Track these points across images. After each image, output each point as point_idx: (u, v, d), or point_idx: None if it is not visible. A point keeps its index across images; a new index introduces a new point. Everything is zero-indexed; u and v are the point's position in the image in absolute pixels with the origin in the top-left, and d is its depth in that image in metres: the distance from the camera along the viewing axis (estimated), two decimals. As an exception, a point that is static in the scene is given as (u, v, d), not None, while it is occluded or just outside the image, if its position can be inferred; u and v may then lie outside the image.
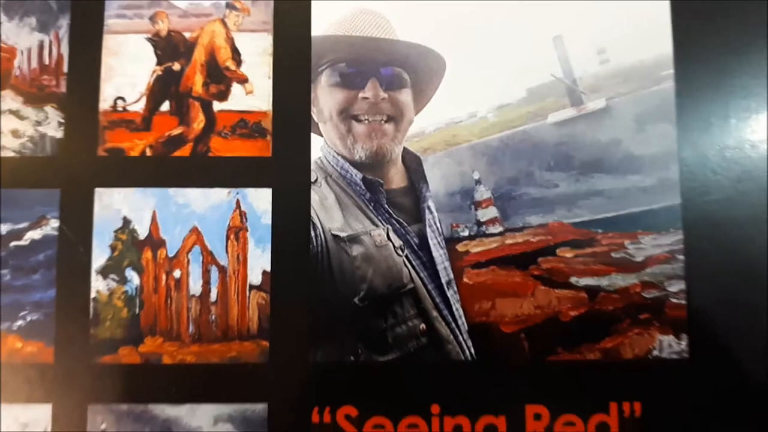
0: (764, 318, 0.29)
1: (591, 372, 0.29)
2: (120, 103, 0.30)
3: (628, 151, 0.30)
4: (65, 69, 0.30)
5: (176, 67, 0.30)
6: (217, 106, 0.30)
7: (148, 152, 0.30)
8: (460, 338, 0.29)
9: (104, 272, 0.29)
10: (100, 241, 0.29)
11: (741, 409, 0.28)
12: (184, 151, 0.30)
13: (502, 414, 0.28)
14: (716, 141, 0.30)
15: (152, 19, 0.30)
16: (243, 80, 0.30)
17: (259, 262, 0.29)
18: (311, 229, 0.29)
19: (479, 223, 0.30)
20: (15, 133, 0.29)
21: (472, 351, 0.29)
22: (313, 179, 0.30)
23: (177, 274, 0.29)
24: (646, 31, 0.31)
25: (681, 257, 0.29)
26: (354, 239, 0.29)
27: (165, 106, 0.31)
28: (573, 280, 0.30)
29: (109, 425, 0.27)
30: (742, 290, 0.29)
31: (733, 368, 0.28)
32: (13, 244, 0.29)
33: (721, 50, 0.31)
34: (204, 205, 0.29)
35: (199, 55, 0.30)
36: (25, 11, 0.30)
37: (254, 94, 0.30)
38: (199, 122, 0.30)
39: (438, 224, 0.30)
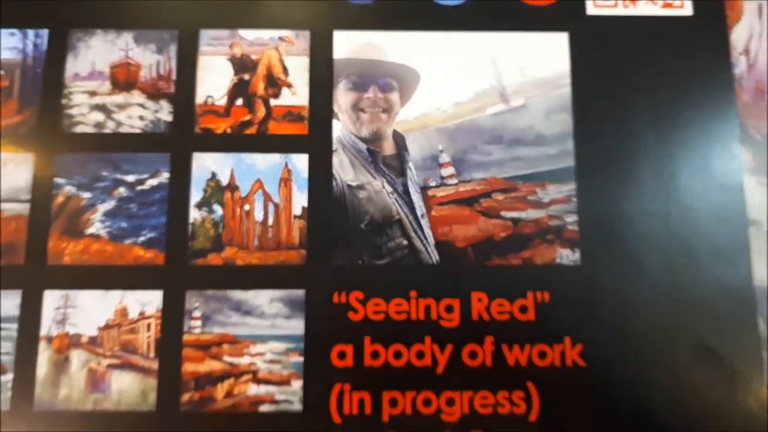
0: (632, 240, 0.39)
1: (515, 272, 0.39)
2: (209, 99, 0.41)
3: (539, 132, 0.41)
4: (174, 77, 0.41)
5: (246, 77, 0.42)
6: (273, 102, 0.41)
7: (228, 131, 0.41)
8: (429, 250, 0.40)
9: (199, 206, 0.40)
10: (196, 186, 0.40)
11: (615, 299, 0.39)
12: (252, 130, 0.41)
13: (456, 298, 0.39)
14: (600, 123, 0.41)
15: (230, 46, 0.42)
16: (289, 86, 0.42)
17: (300, 201, 0.40)
18: (333, 180, 0.40)
19: (442, 178, 0.41)
20: (141, 118, 0.41)
21: (437, 258, 0.39)
22: (334, 149, 0.41)
23: (246, 207, 0.40)
24: (552, 55, 0.42)
25: (575, 199, 0.40)
26: (361, 187, 0.40)
27: (239, 102, 0.41)
28: (503, 213, 0.40)
29: (200, 304, 0.39)
30: (617, 221, 0.40)
31: (609, 270, 0.39)
32: (138, 188, 0.40)
33: (607, 66, 0.42)
34: (264, 164, 0.40)
35: (261, 70, 0.42)
36: (147, 40, 0.42)
37: (297, 94, 0.41)
38: (261, 112, 0.41)
39: (416, 178, 0.41)
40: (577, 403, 0.38)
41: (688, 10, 0.44)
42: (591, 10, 0.43)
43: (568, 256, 0.40)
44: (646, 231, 0.40)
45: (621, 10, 0.43)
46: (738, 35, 0.44)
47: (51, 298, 0.39)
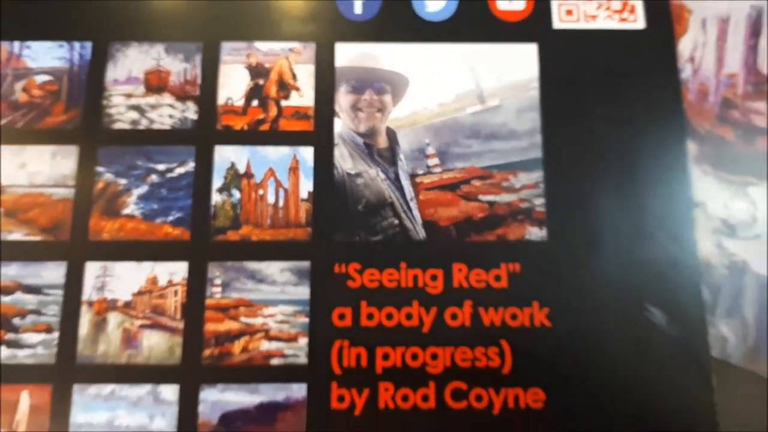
0: (592, 220, 0.45)
1: (490, 246, 0.45)
2: (229, 101, 0.47)
3: (511, 128, 0.47)
4: (199, 82, 0.48)
5: (261, 82, 0.48)
6: (283, 103, 0.47)
7: (245, 127, 0.47)
8: (417, 228, 0.45)
9: (220, 190, 0.46)
10: (217, 174, 0.46)
11: (576, 269, 0.44)
12: (265, 127, 0.47)
13: (440, 268, 0.44)
14: (564, 121, 0.47)
15: (247, 56, 0.48)
16: (297, 89, 0.48)
17: (306, 186, 0.46)
18: (334, 169, 0.46)
19: (428, 167, 0.46)
20: (170, 116, 0.47)
21: (424, 234, 0.45)
22: (335, 142, 0.46)
23: (260, 192, 0.46)
24: (523, 62, 0.48)
25: (542, 185, 0.46)
26: (358, 175, 0.46)
27: (254, 103, 0.47)
28: (480, 197, 0.46)
29: (220, 273, 0.45)
30: (578, 203, 0.45)
31: (571, 246, 0.45)
32: (168, 175, 0.46)
33: (571, 72, 0.48)
34: (276, 156, 0.46)
35: (273, 76, 0.48)
36: (176, 51, 0.48)
37: (304, 96, 0.47)
38: (273, 111, 0.47)
39: (405, 167, 0.46)
40: (544, 357, 0.43)
41: (641, 25, 0.50)
42: (557, 24, 0.50)
43: (536, 233, 0.46)
44: (604, 212, 0.46)
45: (583, 24, 0.50)
46: (684, 45, 0.50)
47: (92, 269, 0.45)
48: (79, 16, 0.50)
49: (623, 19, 0.50)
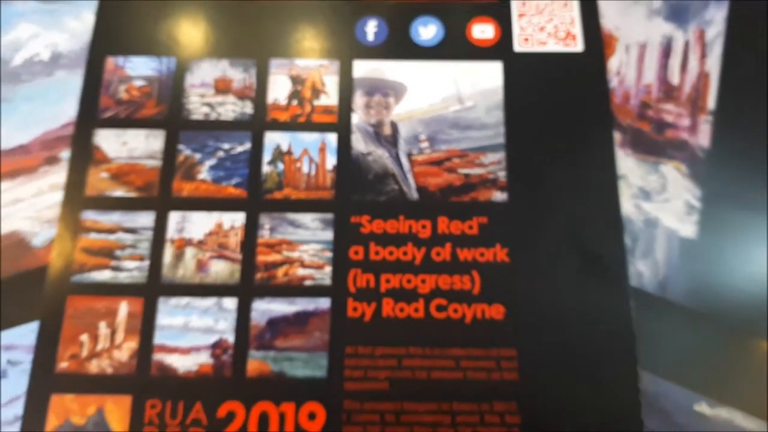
0: (540, 185, 0.63)
1: (465, 205, 0.57)
2: (276, 101, 0.63)
3: (482, 121, 0.60)
4: (254, 87, 0.63)
5: (299, 88, 0.64)
6: (315, 102, 0.60)
7: (287, 119, 0.62)
8: (412, 192, 0.57)
9: (269, 163, 0.60)
10: (267, 152, 0.61)
11: (530, 221, 0.62)
12: (302, 119, 0.61)
13: (428, 220, 0.56)
14: (521, 116, 0.62)
15: (289, 69, 0.65)
16: (326, 93, 0.62)
17: (331, 161, 0.58)
18: (351, 150, 0.60)
19: (421, 149, 0.59)
20: (233, 111, 0.65)
21: (417, 196, 0.57)
22: (353, 131, 0.60)
23: (298, 165, 0.61)
24: (492, 75, 0.62)
25: (504, 163, 0.58)
26: (369, 154, 0.59)
27: (294, 102, 0.60)
28: (459, 170, 0.58)
29: (268, 221, 0.62)
30: (530, 175, 0.59)
31: (526, 205, 0.57)
32: (231, 152, 0.60)
33: (526, 82, 0.61)
34: (309, 139, 0.60)
35: (308, 83, 0.64)
36: (237, 65, 0.65)
37: (330, 98, 0.61)
38: (308, 108, 0.62)
39: (404, 148, 0.59)
40: (504, 283, 0.58)
41: (580, 48, 0.67)
42: (517, 48, 0.67)
43: (499, 196, 0.58)
44: (551, 181, 0.60)
45: (537, 48, 0.67)
46: (612, 63, 0.68)
47: (174, 217, 0.58)
48: (168, 40, 0.68)
49: (567, 45, 0.68)
